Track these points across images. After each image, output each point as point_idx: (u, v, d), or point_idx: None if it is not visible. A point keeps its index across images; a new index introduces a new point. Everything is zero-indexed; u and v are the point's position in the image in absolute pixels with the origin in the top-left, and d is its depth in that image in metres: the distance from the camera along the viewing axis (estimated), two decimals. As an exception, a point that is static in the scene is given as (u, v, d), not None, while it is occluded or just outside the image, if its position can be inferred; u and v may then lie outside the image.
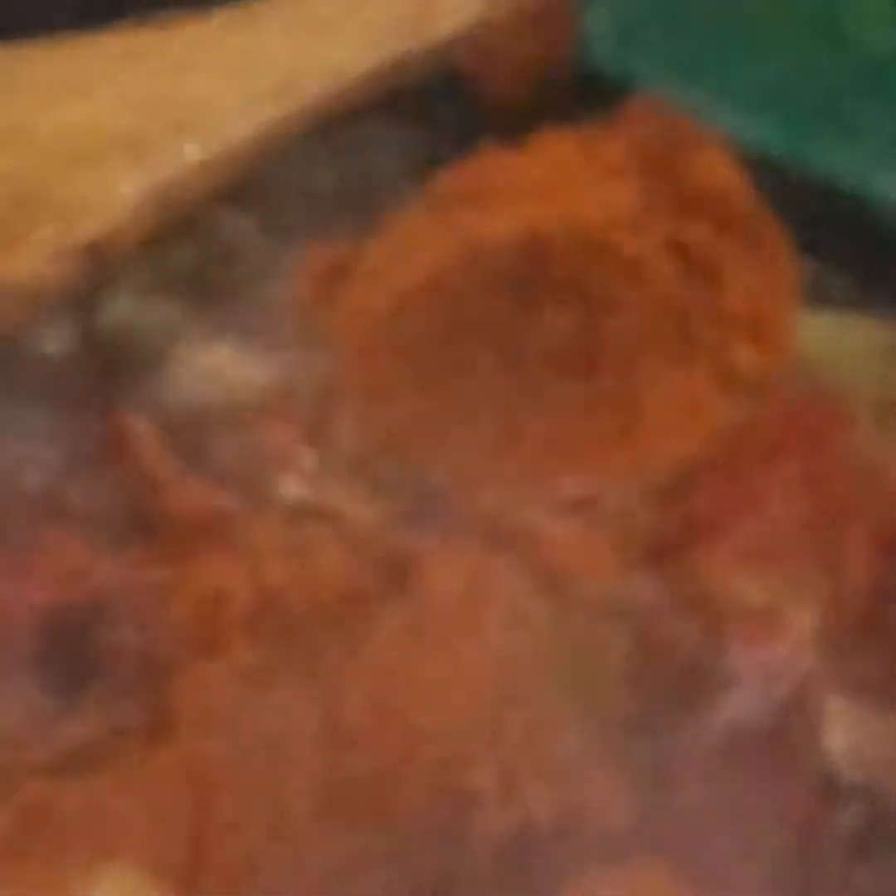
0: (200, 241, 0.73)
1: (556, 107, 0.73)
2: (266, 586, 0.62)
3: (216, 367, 0.70)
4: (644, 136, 0.70)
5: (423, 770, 0.58)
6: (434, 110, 0.76)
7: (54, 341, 0.69)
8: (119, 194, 0.69)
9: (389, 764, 0.58)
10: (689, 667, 0.62)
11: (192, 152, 0.70)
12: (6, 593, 0.64)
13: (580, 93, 0.76)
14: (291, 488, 0.68)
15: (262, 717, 0.59)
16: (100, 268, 0.69)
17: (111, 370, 0.70)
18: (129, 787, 0.60)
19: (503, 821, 0.58)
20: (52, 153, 0.70)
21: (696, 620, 0.63)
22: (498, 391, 0.66)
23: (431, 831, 0.58)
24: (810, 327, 0.73)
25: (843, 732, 0.61)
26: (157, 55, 0.73)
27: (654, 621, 0.63)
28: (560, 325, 0.67)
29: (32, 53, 0.73)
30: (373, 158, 0.76)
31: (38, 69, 0.73)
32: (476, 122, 0.75)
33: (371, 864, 0.58)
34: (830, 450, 0.67)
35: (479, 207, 0.69)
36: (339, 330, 0.69)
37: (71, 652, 0.63)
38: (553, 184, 0.69)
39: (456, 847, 0.59)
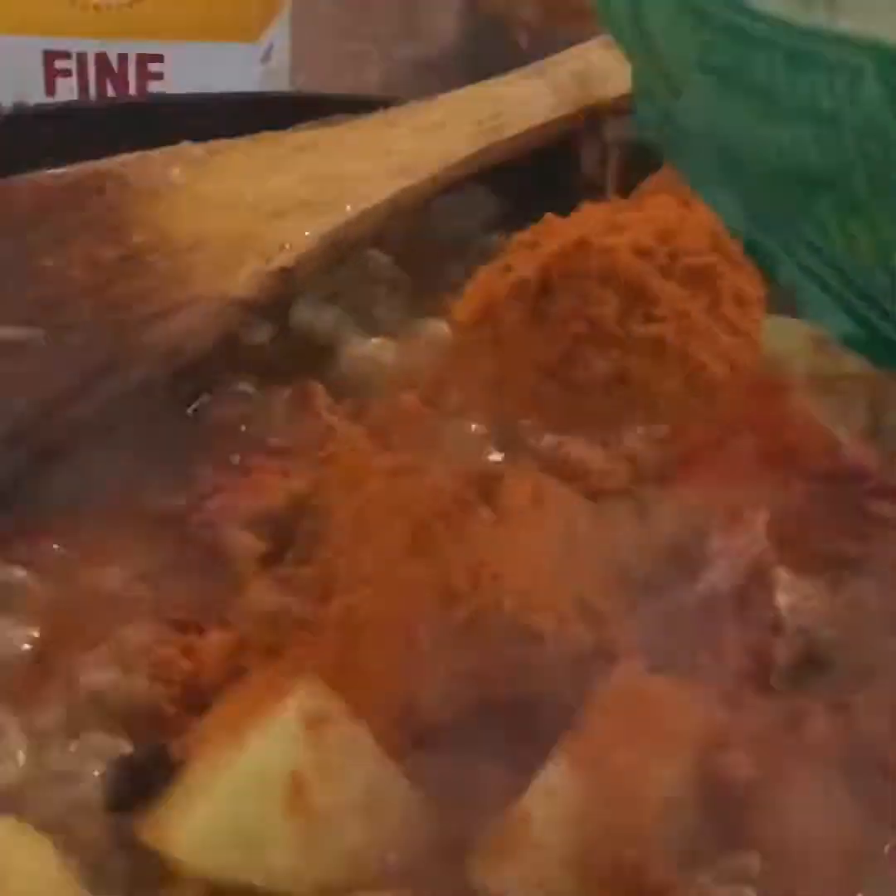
0: (354, 269, 0.74)
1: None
2: (399, 493, 0.62)
3: (366, 352, 0.72)
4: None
5: (503, 615, 0.58)
6: (512, 183, 0.76)
7: (261, 334, 0.71)
8: (302, 238, 0.70)
9: (481, 611, 0.58)
10: (684, 548, 0.63)
11: (351, 210, 0.71)
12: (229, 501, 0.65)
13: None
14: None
15: (397, 580, 0.59)
16: (289, 286, 0.71)
17: (297, 353, 0.72)
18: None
19: (557, 650, 0.59)
20: (259, 209, 0.72)
21: (687, 520, 0.63)
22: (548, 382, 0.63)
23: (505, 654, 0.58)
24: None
25: (787, 593, 0.61)
26: (326, 145, 0.74)
27: (660, 519, 0.63)
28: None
29: (241, 144, 0.75)
30: (470, 215, 0.77)
31: (247, 155, 0.74)
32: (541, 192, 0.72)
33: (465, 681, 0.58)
34: (778, 408, 0.68)
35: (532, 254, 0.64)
36: (448, 331, 0.69)
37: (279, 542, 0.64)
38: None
39: (523, 666, 0.59)
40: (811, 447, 0.68)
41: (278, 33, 0.97)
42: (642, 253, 0.62)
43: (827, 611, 0.62)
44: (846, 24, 0.35)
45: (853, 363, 0.72)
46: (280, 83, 0.98)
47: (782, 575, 0.62)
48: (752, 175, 0.39)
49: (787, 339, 0.72)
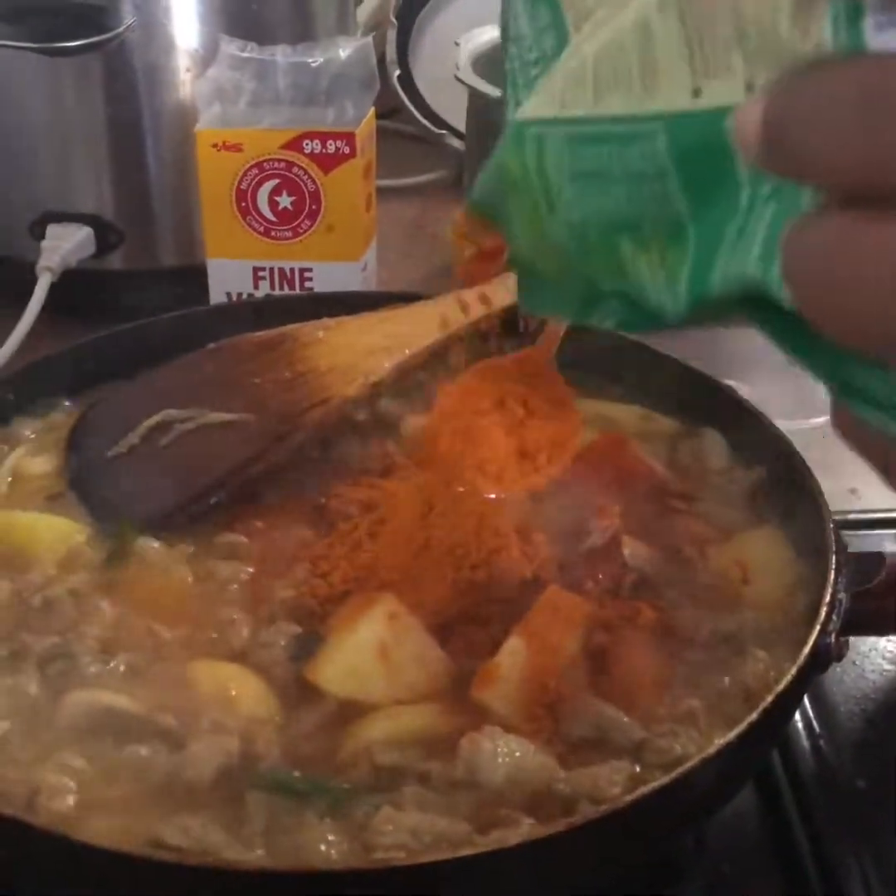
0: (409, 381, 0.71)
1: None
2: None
3: (414, 424, 0.69)
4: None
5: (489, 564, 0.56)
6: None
7: (361, 415, 0.69)
8: (383, 367, 0.68)
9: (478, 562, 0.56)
10: (579, 523, 0.60)
11: (408, 352, 0.69)
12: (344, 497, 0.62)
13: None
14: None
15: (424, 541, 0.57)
16: (376, 391, 0.69)
17: (381, 423, 0.69)
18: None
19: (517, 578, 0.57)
20: (361, 351, 0.68)
21: (580, 509, 0.60)
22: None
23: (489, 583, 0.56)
24: (605, 408, 0.69)
25: (629, 548, 0.59)
26: (394, 318, 0.71)
27: (567, 506, 0.61)
28: None
29: (352, 318, 0.72)
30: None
31: (355, 324, 0.71)
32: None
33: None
34: (622, 450, 0.65)
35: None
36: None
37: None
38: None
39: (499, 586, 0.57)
40: (641, 471, 0.65)
41: (370, 255, 0.94)
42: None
43: (649, 557, 0.61)
44: (650, 105, 0.29)
45: (660, 424, 0.70)
46: (370, 283, 0.95)
47: (627, 539, 0.60)
48: (582, 251, 0.33)
49: (625, 414, 0.70)
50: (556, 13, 0.34)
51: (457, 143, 1.25)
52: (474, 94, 1.04)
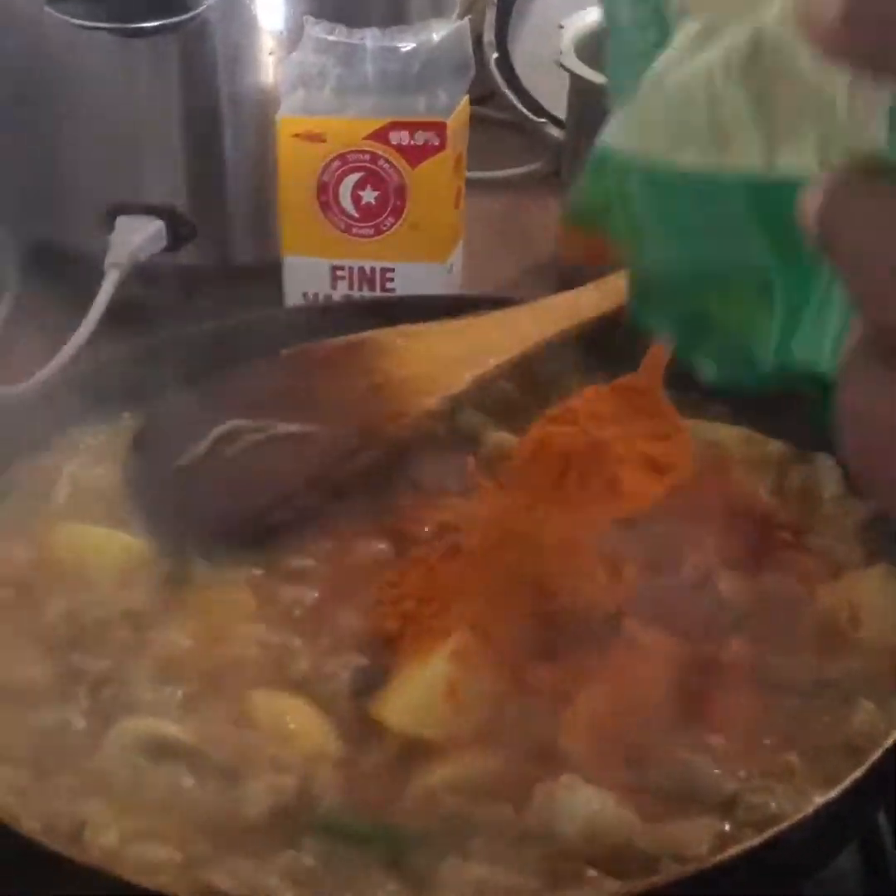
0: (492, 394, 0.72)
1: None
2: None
3: (497, 440, 0.69)
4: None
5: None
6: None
7: (440, 430, 0.69)
8: (463, 379, 0.68)
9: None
10: (674, 555, 0.61)
11: (492, 363, 0.69)
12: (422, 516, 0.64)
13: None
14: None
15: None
16: (456, 404, 0.69)
17: (461, 439, 0.69)
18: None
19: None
20: (441, 362, 0.70)
21: (676, 540, 0.61)
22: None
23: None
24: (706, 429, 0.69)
25: (725, 583, 0.59)
26: (479, 325, 0.72)
27: (661, 537, 0.61)
28: None
29: (433, 325, 0.73)
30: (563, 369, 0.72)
31: (436, 331, 0.73)
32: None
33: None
34: (725, 477, 0.66)
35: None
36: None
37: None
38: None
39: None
40: (744, 499, 0.66)
41: (457, 255, 0.95)
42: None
43: (748, 594, 0.60)
44: (725, 163, 0.30)
45: (767, 447, 0.69)
46: (456, 286, 0.95)
47: (725, 574, 0.60)
48: (674, 293, 0.34)
49: (728, 436, 0.70)
50: (658, 10, 0.34)
51: (556, 132, 1.25)
52: (577, 81, 1.04)
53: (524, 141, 1.30)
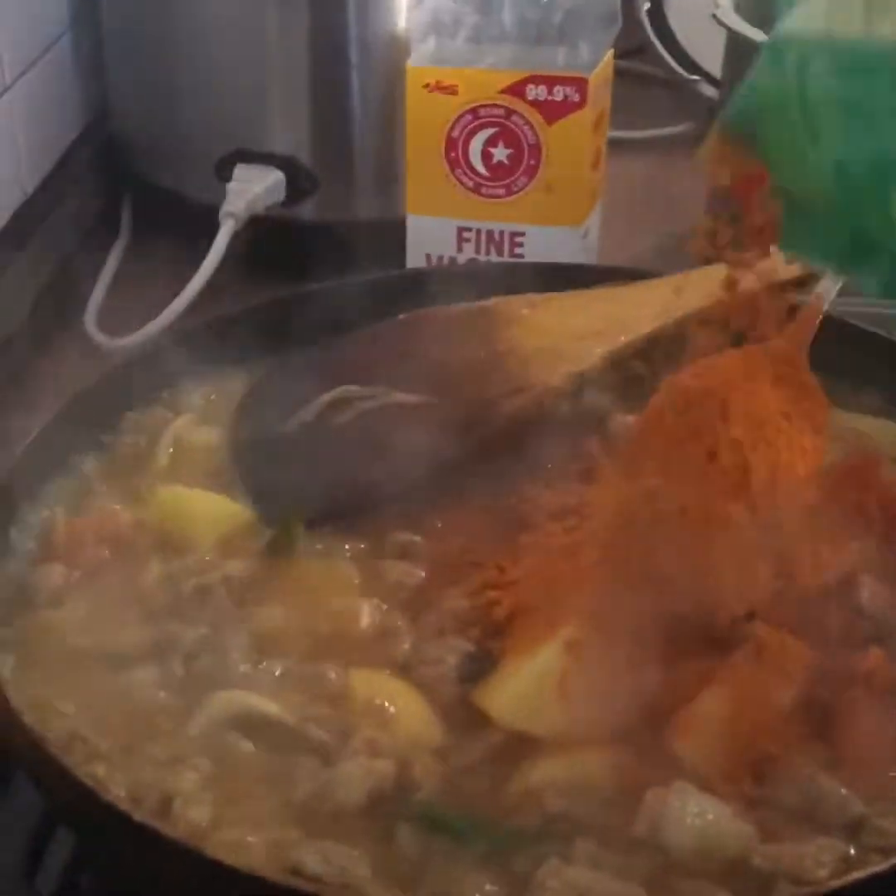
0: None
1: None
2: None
3: (623, 421, 0.69)
4: None
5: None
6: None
7: (564, 408, 0.70)
8: (593, 355, 0.70)
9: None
10: None
11: (623, 339, 0.71)
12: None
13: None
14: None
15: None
16: (586, 380, 0.70)
17: (585, 421, 0.70)
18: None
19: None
20: (569, 335, 0.71)
21: None
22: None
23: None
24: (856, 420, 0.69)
25: (867, 590, 0.59)
26: (612, 298, 0.73)
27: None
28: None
29: (561, 295, 0.74)
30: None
31: (565, 301, 0.74)
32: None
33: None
34: (875, 474, 0.64)
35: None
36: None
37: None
38: None
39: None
40: (893, 499, 0.64)
41: (593, 220, 0.95)
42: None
43: (892, 602, 0.60)
44: None
45: None
46: (592, 253, 0.95)
47: (866, 580, 0.60)
48: (849, 194, 0.35)
49: (880, 429, 0.70)
50: None
51: (710, 90, 1.25)
52: (733, 38, 1.03)
53: (674, 99, 1.30)
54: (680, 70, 1.27)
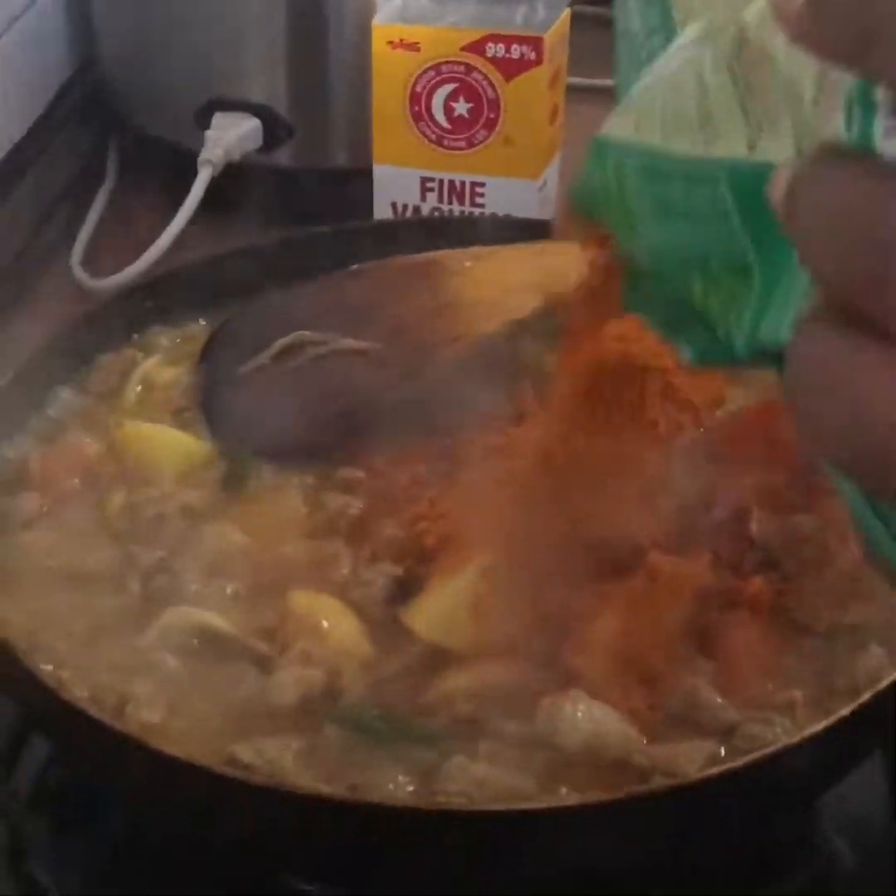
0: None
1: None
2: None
3: (547, 363, 0.71)
4: None
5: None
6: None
7: (502, 355, 0.74)
8: (528, 306, 0.73)
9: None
10: (706, 492, 0.64)
11: (557, 291, 0.71)
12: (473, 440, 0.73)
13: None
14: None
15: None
16: (523, 328, 0.73)
17: (522, 366, 0.73)
18: None
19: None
20: (507, 287, 0.75)
21: (709, 476, 0.64)
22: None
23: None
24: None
25: (757, 524, 0.64)
26: (550, 253, 0.76)
27: (695, 473, 0.64)
28: None
29: (505, 249, 0.78)
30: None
31: (507, 255, 0.78)
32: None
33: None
34: (778, 417, 0.66)
35: None
36: None
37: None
38: None
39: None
40: (796, 443, 0.68)
41: (551, 173, 1.01)
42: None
43: (781, 536, 0.64)
44: (712, 151, 0.34)
45: None
46: (549, 203, 1.01)
47: (759, 515, 0.65)
48: (659, 274, 0.38)
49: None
50: (666, 16, 0.38)
51: (678, 41, 1.28)
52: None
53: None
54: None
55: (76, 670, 0.57)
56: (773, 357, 0.33)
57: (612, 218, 0.40)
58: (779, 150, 0.31)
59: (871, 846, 0.66)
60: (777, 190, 0.29)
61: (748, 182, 0.32)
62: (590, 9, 1.26)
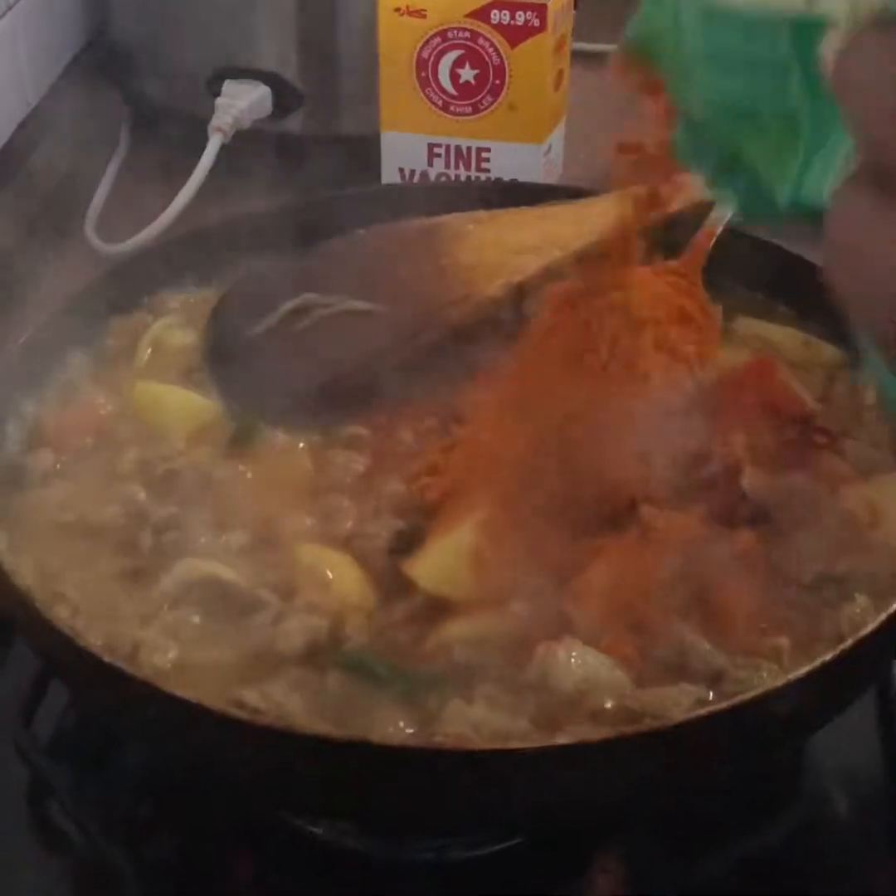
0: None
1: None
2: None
3: None
4: None
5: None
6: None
7: (504, 316, 0.76)
8: (531, 268, 0.76)
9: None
10: (701, 448, 0.66)
11: (558, 253, 0.76)
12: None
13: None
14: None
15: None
16: (521, 292, 0.76)
17: (524, 326, 0.73)
18: None
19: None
20: (510, 250, 0.77)
21: (704, 433, 0.66)
22: None
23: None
24: (764, 329, 0.76)
25: (748, 479, 0.65)
26: (552, 216, 0.79)
27: (691, 430, 0.66)
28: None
29: (508, 212, 0.81)
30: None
31: (509, 218, 0.80)
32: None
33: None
34: (771, 376, 0.71)
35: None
36: None
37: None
38: None
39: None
40: (787, 400, 0.71)
41: (556, 137, 1.03)
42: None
43: (771, 489, 0.66)
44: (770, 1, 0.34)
45: (820, 352, 0.76)
46: (555, 167, 1.03)
47: (750, 469, 0.66)
48: (710, 123, 0.39)
49: (785, 337, 0.77)
50: None
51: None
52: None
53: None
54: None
55: (91, 619, 0.60)
56: (813, 215, 0.34)
57: (667, 63, 0.40)
58: (835, 8, 0.31)
59: (861, 791, 0.69)
60: (829, 50, 0.30)
61: (805, 35, 0.33)
62: (595, -26, 1.26)
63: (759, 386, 0.71)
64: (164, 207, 1.02)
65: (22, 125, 1.05)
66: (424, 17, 0.97)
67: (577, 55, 1.05)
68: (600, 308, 0.64)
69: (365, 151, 1.04)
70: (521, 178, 0.98)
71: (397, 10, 0.97)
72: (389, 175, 1.02)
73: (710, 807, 0.64)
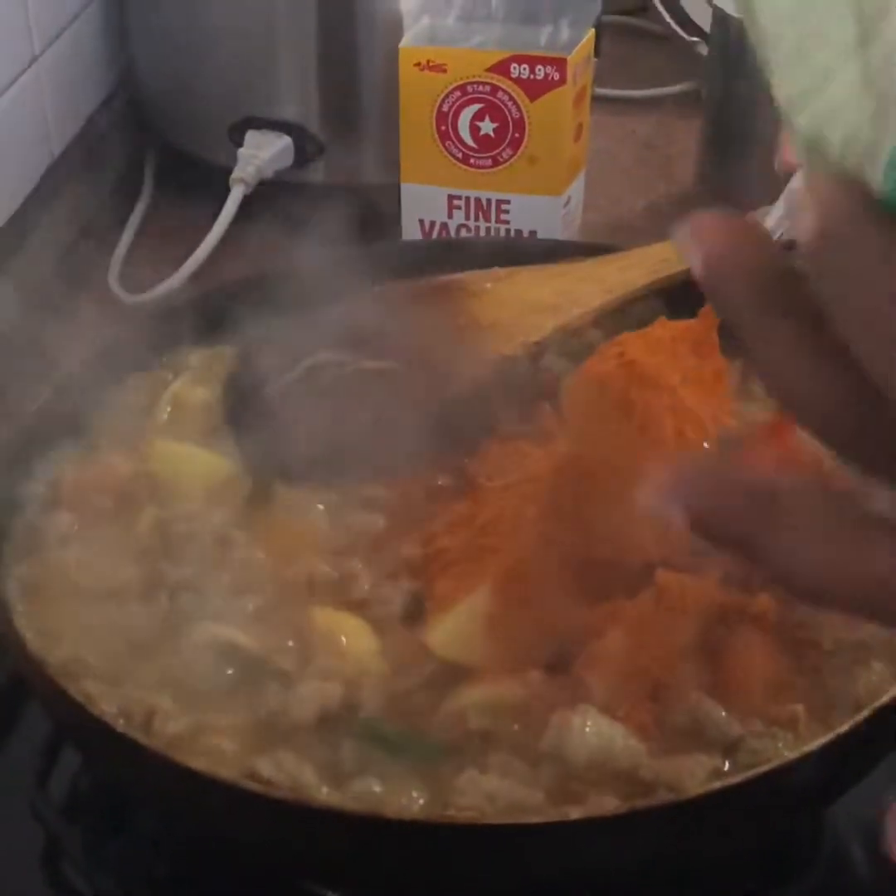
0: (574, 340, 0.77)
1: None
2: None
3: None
4: None
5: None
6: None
7: (521, 374, 0.76)
8: (547, 327, 0.76)
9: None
10: None
11: (575, 312, 0.76)
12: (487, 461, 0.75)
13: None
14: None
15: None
16: (539, 351, 0.77)
17: (541, 386, 0.76)
18: None
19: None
20: (526, 308, 0.77)
21: None
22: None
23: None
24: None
25: None
26: (568, 273, 0.79)
27: None
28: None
29: (524, 270, 0.81)
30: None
31: (525, 276, 0.80)
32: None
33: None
34: (788, 435, 0.67)
35: None
36: None
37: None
38: None
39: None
40: (804, 461, 0.67)
41: (575, 189, 1.03)
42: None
43: None
44: None
45: None
46: (574, 218, 1.03)
47: None
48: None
49: None
50: None
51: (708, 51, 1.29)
52: (718, 10, 1.10)
53: (676, 58, 1.35)
54: (678, 29, 1.32)
55: (106, 683, 0.59)
56: None
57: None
58: None
59: (882, 851, 0.68)
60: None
61: None
62: (616, 19, 1.28)
63: (776, 445, 0.69)
64: (187, 256, 1.03)
65: (45, 175, 1.05)
66: (445, 71, 0.97)
67: (598, 99, 1.05)
68: (613, 372, 0.64)
69: (385, 201, 1.05)
70: (540, 230, 0.98)
71: (418, 64, 0.97)
72: (410, 226, 1.03)
73: (727, 870, 0.63)
